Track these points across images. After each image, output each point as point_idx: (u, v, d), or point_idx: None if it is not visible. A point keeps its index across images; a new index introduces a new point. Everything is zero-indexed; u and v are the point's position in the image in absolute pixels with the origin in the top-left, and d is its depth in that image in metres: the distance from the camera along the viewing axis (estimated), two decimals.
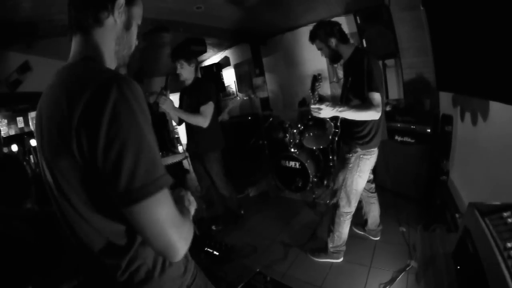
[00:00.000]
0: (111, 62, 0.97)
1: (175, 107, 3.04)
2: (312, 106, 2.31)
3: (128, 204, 0.72)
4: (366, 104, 2.24)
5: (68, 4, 0.92)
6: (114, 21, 0.93)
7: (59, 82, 0.83)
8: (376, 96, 2.22)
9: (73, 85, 0.78)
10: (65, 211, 0.88)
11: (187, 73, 3.31)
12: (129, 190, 0.71)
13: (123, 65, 1.04)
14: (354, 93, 2.41)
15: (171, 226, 0.78)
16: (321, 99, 2.38)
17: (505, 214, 1.07)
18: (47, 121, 0.82)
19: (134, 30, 1.02)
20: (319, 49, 2.61)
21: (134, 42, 1.04)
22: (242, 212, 4.15)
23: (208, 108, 3.23)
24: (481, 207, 1.14)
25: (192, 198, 1.13)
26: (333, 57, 2.59)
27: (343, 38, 2.50)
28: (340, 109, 2.24)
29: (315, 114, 2.32)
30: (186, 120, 3.21)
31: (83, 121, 0.72)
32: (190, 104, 3.33)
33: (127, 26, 0.98)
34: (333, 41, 2.49)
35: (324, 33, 2.50)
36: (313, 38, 2.59)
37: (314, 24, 2.61)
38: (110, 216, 0.83)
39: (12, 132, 5.42)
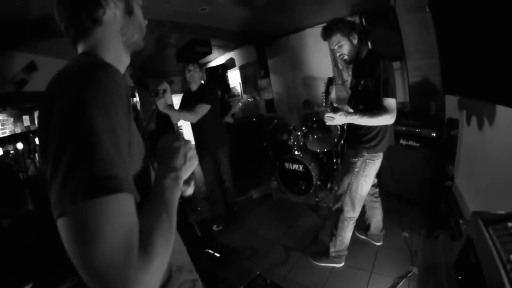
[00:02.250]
0: (118, 54, 0.89)
1: (167, 106, 3.10)
2: (326, 115, 2.31)
3: (55, 213, 0.55)
4: (381, 111, 2.21)
5: (59, 24, 0.86)
6: (113, 14, 0.86)
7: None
8: (392, 102, 2.20)
9: (54, 81, 0.71)
10: None
11: (197, 76, 3.56)
12: (54, 193, 0.56)
13: (140, 49, 0.99)
14: (366, 96, 2.36)
15: (114, 260, 0.53)
16: (335, 109, 2.35)
17: (509, 224, 1.03)
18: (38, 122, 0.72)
19: (138, 10, 0.94)
20: (338, 45, 2.39)
21: (143, 22, 0.98)
22: (235, 209, 4.26)
23: (202, 108, 3.40)
24: (485, 216, 1.11)
25: (193, 154, 0.89)
26: (353, 55, 2.42)
27: (361, 37, 2.44)
28: (352, 116, 2.23)
29: (328, 122, 2.33)
30: (178, 117, 3.36)
31: (43, 106, 0.65)
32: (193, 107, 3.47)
33: (129, 11, 0.90)
34: (355, 37, 2.38)
35: (346, 26, 2.35)
36: (332, 31, 2.36)
37: (328, 22, 2.43)
38: None
39: (18, 130, 5.49)
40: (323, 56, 5.82)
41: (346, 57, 2.43)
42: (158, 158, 0.84)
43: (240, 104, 4.89)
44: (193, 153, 0.89)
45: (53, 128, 0.59)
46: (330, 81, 2.41)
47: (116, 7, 0.85)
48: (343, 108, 2.44)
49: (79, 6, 0.81)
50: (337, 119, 2.29)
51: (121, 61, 0.91)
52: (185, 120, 3.42)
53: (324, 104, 2.41)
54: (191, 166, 0.88)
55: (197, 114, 3.37)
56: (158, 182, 0.78)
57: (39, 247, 2.51)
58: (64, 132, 0.58)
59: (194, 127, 3.69)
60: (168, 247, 0.66)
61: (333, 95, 5.64)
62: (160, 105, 2.98)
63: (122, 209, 0.57)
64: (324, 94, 2.41)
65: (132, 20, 0.91)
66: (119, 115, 0.66)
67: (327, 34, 2.41)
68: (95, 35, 0.84)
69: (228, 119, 4.66)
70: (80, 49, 0.85)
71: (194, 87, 3.62)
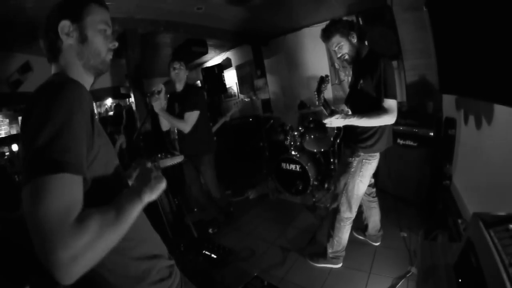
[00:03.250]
0: (81, 75, 1.05)
1: (162, 109, 3.05)
2: (324, 120, 2.31)
3: (24, 181, 0.72)
4: (381, 112, 2.19)
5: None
6: (68, 44, 1.01)
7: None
8: (393, 103, 2.18)
9: (33, 93, 0.86)
10: None
11: (183, 75, 3.36)
12: (23, 168, 0.74)
13: (101, 72, 1.12)
14: (365, 96, 2.34)
15: (50, 220, 0.68)
16: (332, 112, 2.32)
17: (511, 226, 1.01)
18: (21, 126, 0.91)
19: (93, 38, 1.05)
20: (337, 46, 2.39)
21: (101, 48, 1.08)
22: (232, 209, 4.20)
23: (192, 116, 3.26)
24: (486, 218, 1.08)
25: (159, 175, 1.03)
26: (354, 55, 2.41)
27: (361, 36, 2.42)
28: (351, 119, 2.22)
29: (327, 125, 2.32)
30: (169, 123, 3.27)
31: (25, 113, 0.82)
32: (180, 112, 3.35)
33: (82, 40, 1.03)
34: (354, 36, 2.36)
35: (345, 26, 2.34)
36: (331, 32, 2.36)
37: (323, 23, 2.47)
38: None
39: (14, 131, 5.48)
40: (319, 56, 5.81)
41: (347, 57, 2.41)
42: (134, 179, 1.08)
43: (237, 108, 4.85)
44: (159, 175, 1.03)
45: (29, 127, 0.78)
46: (322, 80, 2.39)
47: (70, 38, 1.01)
48: (339, 110, 2.41)
49: (46, 38, 1.02)
50: (334, 122, 2.27)
51: (84, 80, 1.05)
52: (178, 128, 3.33)
53: (317, 103, 2.39)
54: (156, 183, 0.99)
55: (188, 123, 3.24)
56: (124, 193, 0.93)
57: (33, 249, 2.48)
58: (34, 128, 0.76)
59: (179, 131, 3.52)
60: (103, 236, 0.76)
61: (330, 95, 5.67)
62: (156, 106, 2.93)
63: (64, 185, 0.73)
64: (316, 93, 2.39)
65: (85, 47, 1.04)
66: (78, 117, 0.82)
67: (326, 36, 2.40)
68: (60, 59, 1.03)
69: (227, 117, 4.64)
70: (53, 69, 1.04)
71: (179, 87, 3.42)
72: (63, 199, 0.72)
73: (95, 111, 7.28)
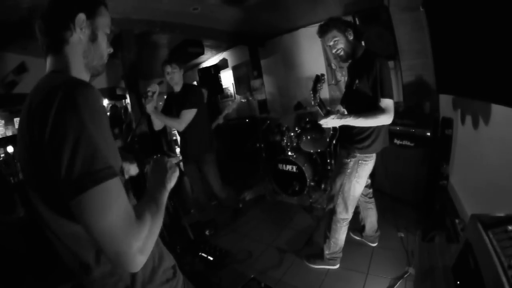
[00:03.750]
0: (81, 74, 1.00)
1: (155, 110, 3.01)
2: (321, 121, 2.28)
3: (69, 197, 0.73)
4: (377, 112, 2.18)
5: (36, 30, 0.99)
6: (78, 38, 0.97)
7: (30, 94, 0.89)
8: (389, 103, 2.17)
9: (32, 94, 0.85)
10: (38, 218, 0.93)
11: (178, 77, 3.32)
12: (68, 182, 0.72)
13: (98, 74, 1.10)
14: (360, 96, 2.32)
15: (117, 226, 0.75)
16: (328, 113, 2.31)
17: (509, 228, 1.00)
18: (19, 130, 0.89)
19: (102, 40, 1.05)
20: (333, 39, 2.37)
21: (105, 51, 1.08)
22: (241, 205, 4.25)
23: (188, 114, 3.22)
24: (484, 219, 1.07)
25: (173, 164, 1.13)
26: (349, 52, 2.40)
27: (358, 35, 2.41)
28: (347, 119, 2.20)
29: (323, 126, 2.30)
30: (163, 123, 3.22)
31: (34, 120, 0.78)
32: (178, 112, 3.30)
33: (93, 38, 1.01)
34: (351, 34, 2.36)
35: (342, 22, 2.36)
36: (328, 27, 2.36)
37: (320, 23, 2.45)
38: (69, 224, 0.86)
39: (9, 133, 5.43)
40: (316, 56, 5.81)
41: (342, 52, 2.40)
42: (150, 174, 1.09)
43: (234, 106, 4.82)
44: (173, 167, 1.13)
45: (57, 137, 0.74)
46: (318, 79, 2.36)
47: (82, 32, 0.98)
48: (335, 110, 2.40)
49: (53, 25, 0.96)
50: (330, 123, 2.25)
51: (83, 79, 0.99)
52: (171, 127, 3.29)
53: (312, 103, 2.37)
54: (172, 174, 1.10)
55: (183, 121, 3.20)
56: (149, 187, 1.02)
57: (30, 253, 2.45)
58: (69, 137, 0.73)
59: (181, 133, 3.47)
60: (155, 223, 0.87)
61: (326, 95, 5.66)
62: (149, 108, 2.89)
63: (116, 189, 0.78)
64: (312, 92, 2.37)
65: (94, 46, 1.03)
66: (104, 121, 0.82)
67: (323, 31, 2.40)
68: (64, 52, 0.97)
69: (220, 120, 4.60)
70: (48, 62, 0.98)
71: (177, 88, 3.39)
72: (120, 202, 0.78)
73: None
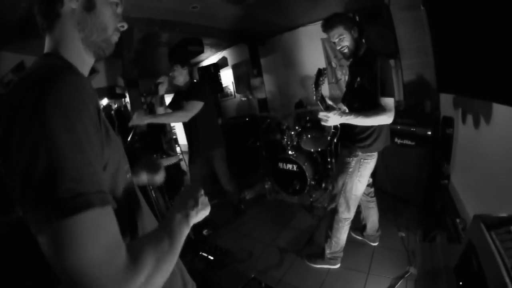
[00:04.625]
0: (79, 53, 0.86)
1: (147, 116, 2.90)
2: (320, 114, 2.22)
3: (37, 227, 0.56)
4: (378, 110, 2.16)
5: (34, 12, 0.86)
6: (70, 8, 0.83)
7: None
8: (390, 102, 2.16)
9: (15, 87, 0.66)
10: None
11: (180, 76, 3.33)
12: (25, 212, 0.57)
13: (104, 54, 0.92)
14: (362, 94, 2.32)
15: (99, 278, 0.56)
16: (328, 108, 2.29)
17: None
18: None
19: (103, 9, 0.88)
20: (339, 36, 2.34)
21: (110, 23, 0.90)
22: (243, 207, 4.21)
23: (194, 105, 3.16)
24: (487, 220, 1.06)
25: (205, 201, 0.96)
26: (353, 49, 2.39)
27: (361, 34, 2.40)
28: (348, 117, 2.18)
29: (322, 123, 2.24)
30: (167, 121, 3.21)
31: (4, 124, 0.61)
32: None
33: (89, 6, 0.85)
34: (356, 31, 2.35)
35: (349, 19, 2.34)
36: (336, 22, 2.32)
37: (320, 22, 2.43)
38: None
39: None
40: (316, 55, 5.79)
41: (346, 50, 2.39)
42: (176, 201, 0.92)
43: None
44: (206, 201, 0.97)
45: (16, 146, 0.58)
46: (320, 73, 2.33)
47: (73, 2, 0.83)
48: (337, 107, 2.39)
49: (43, 0, 0.82)
50: (331, 119, 2.19)
51: (83, 60, 0.88)
52: (176, 121, 3.25)
53: (314, 98, 2.35)
54: (202, 210, 0.93)
55: (189, 111, 3.11)
56: (168, 215, 0.84)
57: (29, 253, 2.44)
58: (28, 153, 0.56)
59: (187, 127, 3.48)
60: (161, 268, 0.68)
61: (327, 93, 5.65)
62: (138, 120, 2.80)
63: (94, 224, 0.58)
64: (314, 86, 2.35)
65: (91, 16, 0.86)
66: (84, 123, 0.64)
67: (329, 26, 2.36)
68: (55, 29, 0.83)
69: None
70: (46, 43, 0.85)
71: (184, 87, 3.41)
72: (99, 242, 0.58)
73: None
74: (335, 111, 2.19)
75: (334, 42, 2.41)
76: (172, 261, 0.73)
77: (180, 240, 0.79)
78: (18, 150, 0.57)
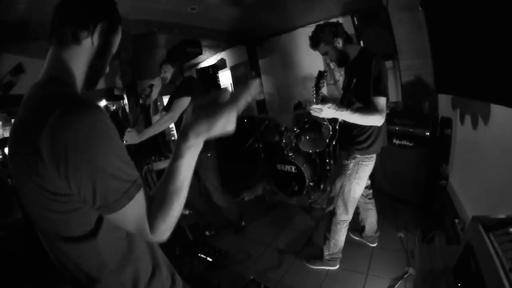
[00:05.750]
0: (80, 82, 0.95)
1: (139, 135, 2.81)
2: (314, 106, 2.18)
3: (106, 213, 0.78)
4: (370, 109, 2.16)
5: (53, 13, 0.91)
6: (91, 43, 0.93)
7: (26, 101, 0.84)
8: (382, 101, 2.14)
9: (33, 110, 0.79)
10: (37, 230, 0.91)
11: (171, 75, 3.13)
12: (103, 207, 0.76)
13: (89, 88, 1.01)
14: (358, 95, 2.32)
15: (143, 221, 0.80)
16: (323, 100, 2.28)
17: (511, 230, 0.99)
18: (13, 138, 0.81)
19: (108, 57, 1.01)
20: (324, 54, 2.42)
21: (106, 69, 1.03)
22: (244, 223, 3.86)
23: (179, 102, 2.92)
24: (486, 221, 1.06)
25: (232, 118, 0.78)
26: (341, 59, 2.41)
27: (348, 37, 2.39)
28: (342, 111, 2.15)
29: (315, 114, 2.19)
30: (159, 130, 2.99)
31: (49, 153, 0.72)
32: (168, 104, 3.19)
33: (103, 52, 0.97)
34: (340, 42, 2.33)
35: (329, 34, 2.31)
36: (316, 42, 2.37)
37: (314, 27, 2.41)
38: (75, 240, 0.84)
39: (7, 134, 5.39)
40: (314, 56, 5.72)
41: (334, 61, 2.45)
42: (190, 120, 0.77)
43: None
44: (232, 118, 0.79)
45: (79, 174, 0.73)
46: (321, 75, 2.33)
47: (97, 39, 0.93)
48: (330, 100, 2.37)
49: (74, 17, 0.90)
50: (325, 112, 2.14)
51: (77, 89, 0.95)
52: (166, 126, 3.00)
53: (314, 100, 2.34)
54: (222, 122, 0.78)
55: (174, 112, 2.89)
56: (181, 156, 0.80)
57: (28, 256, 2.44)
58: (82, 172, 0.72)
59: (177, 126, 3.25)
60: (175, 215, 0.84)
61: (325, 92, 5.65)
62: (131, 139, 2.75)
63: (141, 200, 0.81)
64: (314, 88, 2.35)
65: (100, 60, 0.98)
66: (113, 141, 0.78)
67: (312, 45, 2.42)
68: (69, 51, 0.90)
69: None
70: (49, 57, 0.91)
71: (176, 83, 3.18)
72: (138, 213, 0.80)
73: None
74: (330, 104, 2.14)
75: (323, 56, 2.48)
76: (183, 194, 0.83)
77: (186, 169, 0.81)
78: (75, 174, 0.72)
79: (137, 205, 0.80)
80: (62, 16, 0.90)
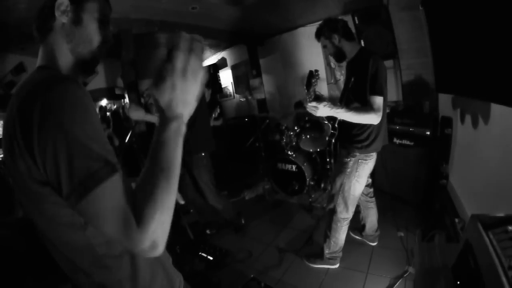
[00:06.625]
0: (70, 65, 0.96)
1: (145, 113, 2.82)
2: (309, 104, 2.21)
3: (74, 203, 0.70)
4: (366, 108, 2.17)
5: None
6: (61, 23, 0.92)
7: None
8: (378, 100, 2.15)
9: (16, 95, 0.80)
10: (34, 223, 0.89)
11: None
12: (69, 193, 0.70)
13: (85, 62, 0.99)
14: (355, 94, 2.33)
15: (124, 216, 0.69)
16: (319, 98, 2.28)
17: (510, 228, 0.99)
18: (3, 129, 0.81)
19: (89, 23, 0.96)
20: (323, 46, 2.53)
21: (94, 36, 0.98)
22: (243, 221, 3.83)
23: None
24: (485, 219, 1.07)
25: (195, 66, 0.80)
26: (337, 55, 2.48)
27: (347, 35, 2.41)
28: (337, 110, 2.16)
29: (311, 112, 2.23)
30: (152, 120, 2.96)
31: (19, 130, 0.72)
32: None
33: (76, 21, 0.94)
34: (336, 37, 2.38)
35: (327, 29, 2.41)
36: (318, 35, 2.50)
37: (319, 22, 2.52)
38: (64, 230, 0.83)
39: None
40: (315, 55, 5.79)
41: (331, 56, 2.54)
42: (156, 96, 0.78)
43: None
44: (195, 65, 0.80)
45: (46, 136, 0.69)
46: (312, 74, 2.34)
47: (63, 16, 0.91)
48: (326, 99, 2.38)
49: (39, 15, 0.93)
50: (320, 110, 2.17)
51: (75, 73, 0.97)
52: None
53: (307, 98, 2.34)
54: (193, 85, 0.81)
55: None
56: (158, 134, 0.78)
57: (30, 254, 2.43)
58: (54, 151, 0.69)
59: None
60: (165, 207, 0.73)
61: (325, 94, 5.65)
62: (136, 113, 2.76)
63: (117, 188, 0.72)
64: (306, 88, 2.36)
65: (78, 29, 0.95)
66: (90, 116, 0.76)
67: (316, 36, 2.53)
68: (48, 41, 0.93)
69: (216, 122, 4.54)
70: (40, 55, 0.95)
71: None
72: (117, 205, 0.71)
73: None
74: (325, 102, 2.16)
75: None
76: (172, 190, 0.75)
77: (174, 162, 0.77)
78: (46, 149, 0.69)
79: (113, 193, 0.71)
80: (35, 18, 0.94)
